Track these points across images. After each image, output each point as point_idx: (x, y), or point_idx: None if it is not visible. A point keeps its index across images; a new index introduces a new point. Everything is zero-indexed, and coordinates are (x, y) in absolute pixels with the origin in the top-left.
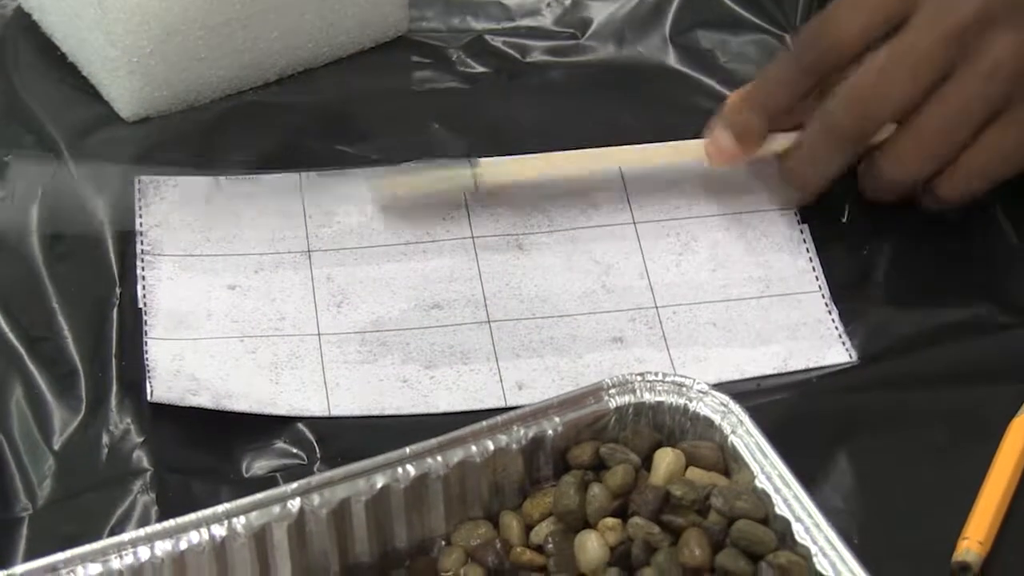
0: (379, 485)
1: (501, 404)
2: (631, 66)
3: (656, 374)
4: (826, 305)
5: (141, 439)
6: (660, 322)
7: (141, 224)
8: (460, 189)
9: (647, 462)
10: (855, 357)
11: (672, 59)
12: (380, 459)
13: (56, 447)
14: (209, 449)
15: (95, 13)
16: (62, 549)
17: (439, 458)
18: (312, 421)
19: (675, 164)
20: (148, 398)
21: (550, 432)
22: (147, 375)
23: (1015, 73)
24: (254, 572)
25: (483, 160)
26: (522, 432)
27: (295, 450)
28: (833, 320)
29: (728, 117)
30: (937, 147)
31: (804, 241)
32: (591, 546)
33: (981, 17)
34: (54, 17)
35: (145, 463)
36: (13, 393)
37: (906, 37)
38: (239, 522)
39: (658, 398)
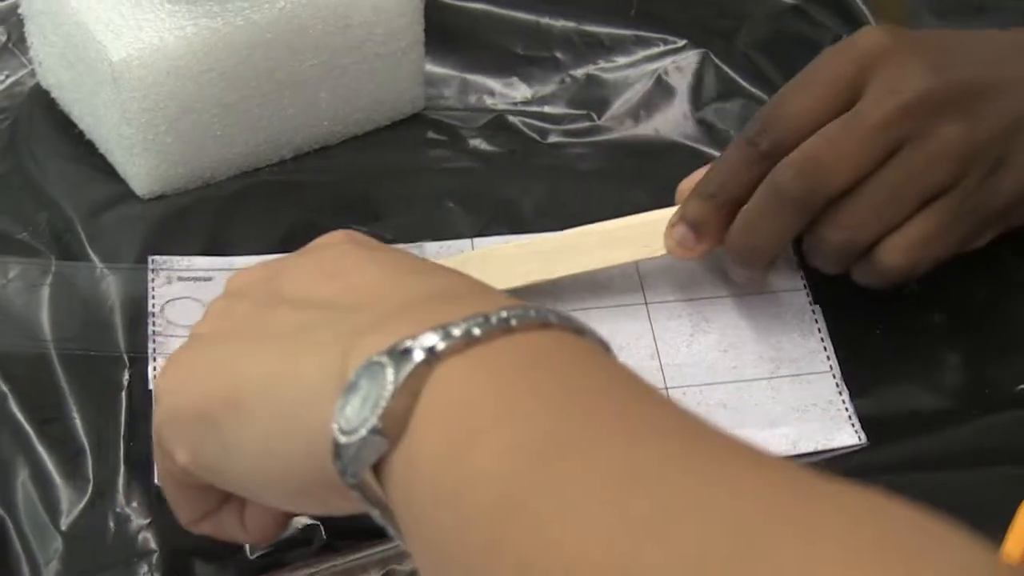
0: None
1: None
2: (647, 144)
3: None
4: (836, 386)
5: (147, 520)
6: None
7: (153, 304)
8: None
9: None
10: (864, 439)
11: (689, 137)
12: (391, 546)
13: (63, 528)
14: None
15: (110, 92)
16: None
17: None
18: None
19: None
20: (156, 480)
21: None
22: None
23: (961, 157)
24: None
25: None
26: None
27: (300, 529)
28: (843, 401)
29: (682, 209)
30: (879, 214)
31: (816, 321)
32: None
33: (926, 100)
34: (71, 94)
35: (152, 544)
36: (20, 473)
37: (856, 114)
38: None
39: None
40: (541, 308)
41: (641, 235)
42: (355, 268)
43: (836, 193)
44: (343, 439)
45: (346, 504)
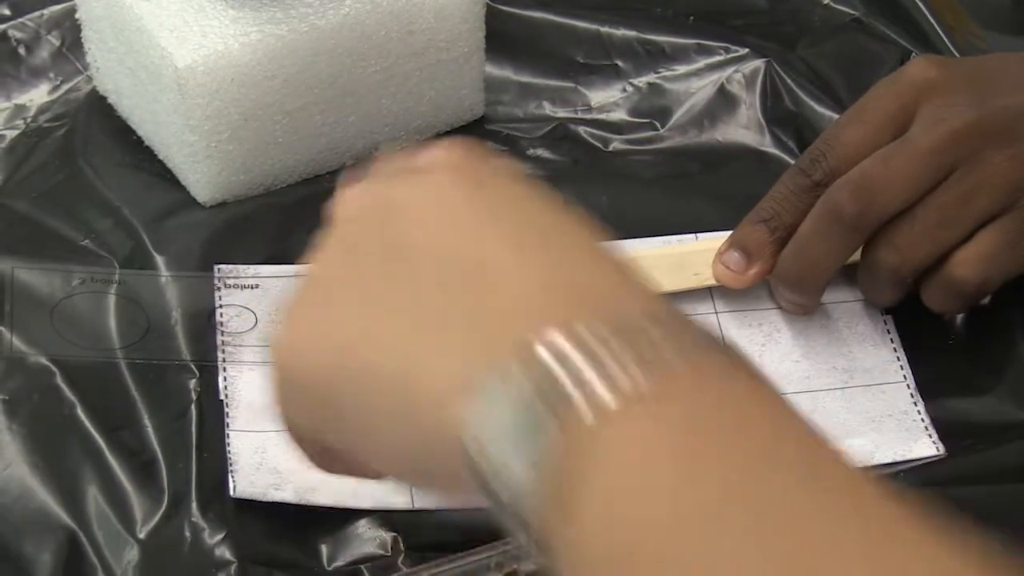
0: None
1: None
2: (710, 153)
3: None
4: (912, 396)
5: (224, 532)
6: None
7: (221, 314)
8: None
9: None
10: (942, 450)
11: (752, 146)
12: (470, 557)
13: (141, 536)
14: (292, 540)
15: (174, 98)
16: None
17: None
18: (396, 512)
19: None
20: (231, 493)
21: None
22: (230, 469)
23: (1011, 182)
24: None
25: None
26: None
27: (379, 541)
28: (919, 411)
29: (734, 235)
30: (932, 235)
31: (888, 332)
32: None
33: (974, 128)
34: (131, 101)
35: (229, 555)
36: (91, 483)
37: (908, 139)
38: None
39: None
40: (708, 334)
41: (691, 263)
42: (487, 222)
43: (890, 214)
44: (479, 456)
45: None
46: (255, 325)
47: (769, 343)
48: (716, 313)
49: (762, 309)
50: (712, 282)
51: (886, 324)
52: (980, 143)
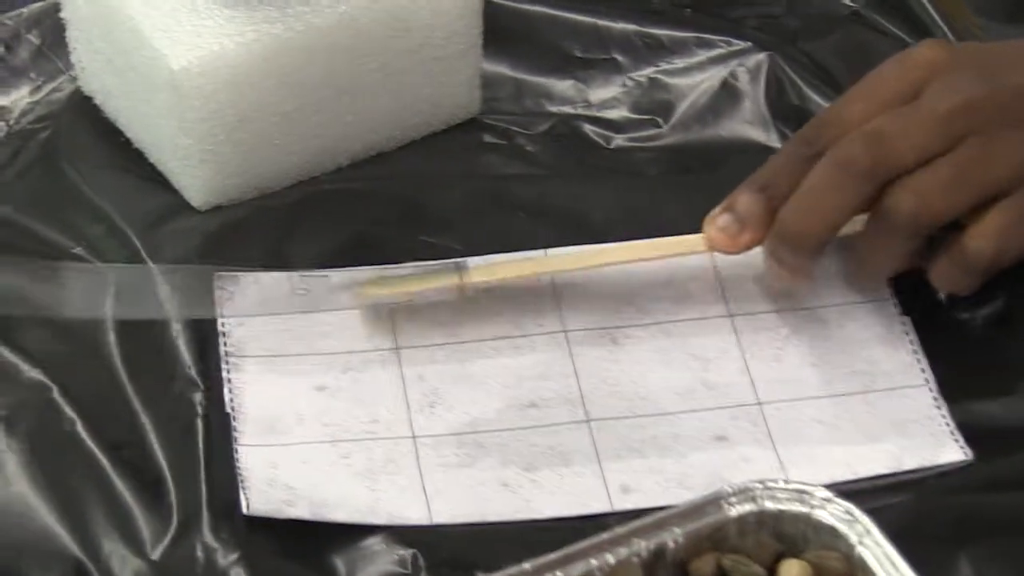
0: None
1: (607, 508)
2: (716, 149)
3: (776, 481)
4: (935, 399)
5: (237, 552)
6: (764, 419)
7: (223, 324)
8: (446, 297)
9: (771, 574)
10: (971, 455)
11: (758, 141)
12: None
13: (151, 559)
14: (308, 558)
15: (168, 100)
16: None
17: (559, 574)
18: (413, 528)
19: (682, 261)
20: (244, 511)
21: (671, 544)
22: (241, 486)
23: (1021, 163)
24: None
25: (472, 263)
26: (643, 544)
27: (397, 558)
28: (943, 415)
29: (729, 200)
30: (945, 190)
31: (907, 333)
32: None
33: (987, 101)
34: (119, 102)
35: (243, 575)
36: (97, 504)
37: (919, 104)
38: None
39: (780, 506)
40: None
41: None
42: None
43: (902, 168)
44: None
45: None
46: (258, 334)
47: (787, 346)
48: (730, 316)
49: (776, 312)
50: (701, 248)
51: (904, 326)
52: (990, 117)
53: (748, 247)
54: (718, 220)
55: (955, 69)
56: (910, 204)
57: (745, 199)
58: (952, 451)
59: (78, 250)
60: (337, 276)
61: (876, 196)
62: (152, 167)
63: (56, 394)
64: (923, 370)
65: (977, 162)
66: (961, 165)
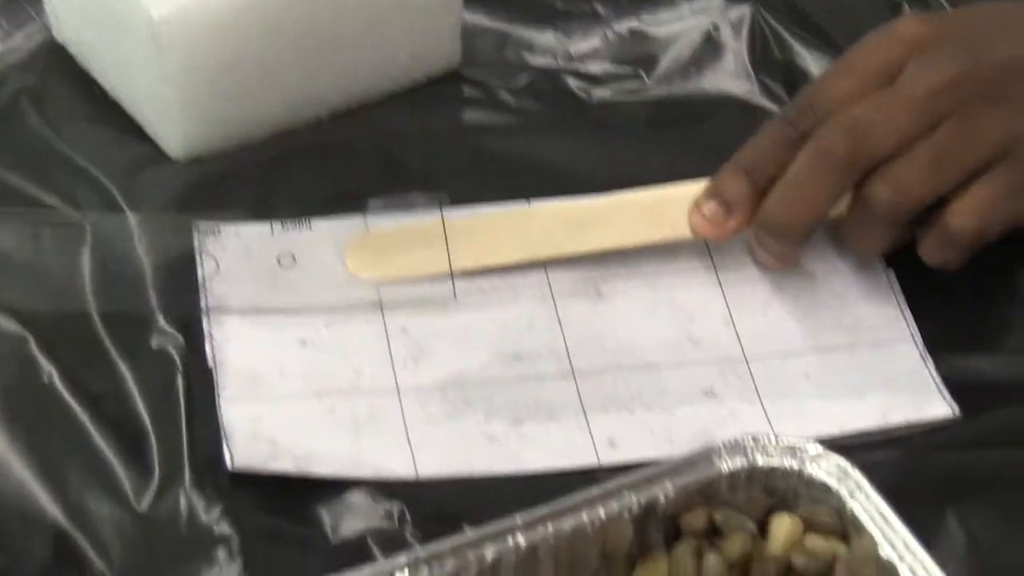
0: (490, 558)
1: (594, 461)
2: (698, 103)
3: (768, 436)
4: (921, 355)
5: (220, 506)
6: (751, 374)
7: (203, 276)
8: (437, 273)
9: (762, 528)
10: (957, 411)
11: (741, 95)
12: (490, 529)
13: (136, 512)
14: (292, 512)
15: (146, 51)
16: None
17: (550, 527)
18: (398, 482)
19: (667, 214)
20: (229, 466)
21: (662, 498)
22: (225, 441)
23: (1002, 140)
24: None
25: (455, 215)
26: (633, 499)
27: (383, 512)
28: (929, 371)
29: (713, 184)
30: (925, 176)
31: (892, 287)
32: None
33: (965, 79)
34: (94, 52)
35: (228, 530)
36: (76, 459)
37: (899, 86)
38: None
39: (771, 462)
40: None
41: (667, 212)
42: None
43: (882, 155)
44: None
45: None
46: (239, 287)
47: (773, 301)
48: (715, 269)
49: (762, 266)
50: (687, 234)
51: (889, 279)
52: (970, 94)
53: (735, 233)
54: (704, 208)
55: (936, 45)
56: (888, 194)
57: (731, 185)
58: (938, 406)
59: (54, 202)
60: (320, 226)
61: (860, 181)
62: (129, 118)
63: (33, 346)
64: (908, 325)
65: (956, 143)
66: (940, 148)
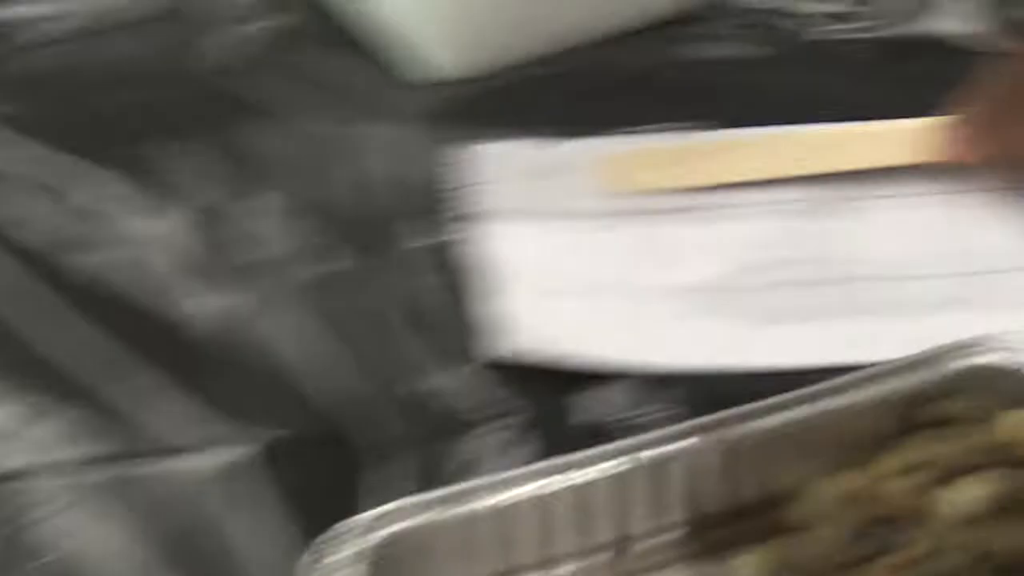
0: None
1: (842, 361)
2: (918, 41)
3: (1010, 335)
4: None
5: (502, 390)
6: (996, 286)
7: (468, 185)
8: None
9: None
10: None
11: (962, 30)
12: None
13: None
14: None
15: None
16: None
17: (796, 412)
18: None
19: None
20: (495, 354)
21: (898, 392)
22: (493, 332)
23: None
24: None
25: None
26: (870, 391)
27: (642, 400)
28: None
29: (962, 114)
30: None
31: None
32: (963, 499)
33: None
34: None
35: (506, 408)
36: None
37: None
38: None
39: (1015, 360)
40: None
41: (911, 137)
42: None
43: None
44: None
45: None
46: (503, 195)
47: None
48: (958, 192)
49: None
50: (935, 158)
51: None
52: None
53: (984, 160)
54: (956, 131)
55: None
56: None
57: (977, 114)
58: None
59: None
60: (577, 145)
61: None
62: (386, 41)
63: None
64: None
65: None
66: None
